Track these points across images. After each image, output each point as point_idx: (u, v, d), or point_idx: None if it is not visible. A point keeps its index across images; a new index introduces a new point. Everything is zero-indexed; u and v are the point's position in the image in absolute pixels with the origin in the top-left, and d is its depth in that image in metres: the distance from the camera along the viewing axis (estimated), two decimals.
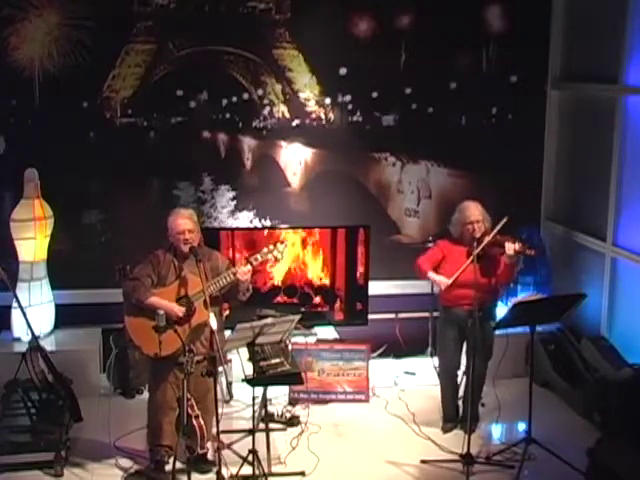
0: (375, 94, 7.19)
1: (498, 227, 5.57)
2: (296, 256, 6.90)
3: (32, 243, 6.46)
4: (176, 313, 5.08)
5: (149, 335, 5.07)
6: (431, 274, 5.76)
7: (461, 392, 6.24)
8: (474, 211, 5.70)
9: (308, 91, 7.15)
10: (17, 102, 6.70)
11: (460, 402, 6.20)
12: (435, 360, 6.44)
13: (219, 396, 5.22)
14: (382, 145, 7.30)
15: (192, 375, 4.71)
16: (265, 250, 5.30)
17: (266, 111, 7.13)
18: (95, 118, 6.85)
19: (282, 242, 5.37)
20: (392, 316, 7.35)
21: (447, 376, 6.05)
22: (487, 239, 5.55)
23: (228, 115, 7.07)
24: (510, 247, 5.51)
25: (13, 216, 6.43)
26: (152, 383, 5.30)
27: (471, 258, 5.51)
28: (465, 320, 5.68)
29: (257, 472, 5.11)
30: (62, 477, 5.32)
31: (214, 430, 4.91)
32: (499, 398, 6.10)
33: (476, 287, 5.48)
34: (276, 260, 5.38)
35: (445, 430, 6.02)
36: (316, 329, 6.83)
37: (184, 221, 5.16)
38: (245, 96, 7.08)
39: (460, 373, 6.19)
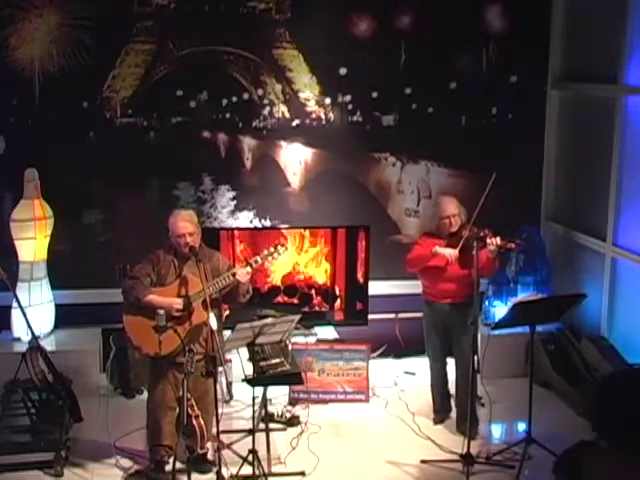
0: (375, 94, 7.19)
1: (472, 219, 5.59)
2: (296, 256, 6.91)
3: (32, 243, 6.46)
4: (175, 307, 5.06)
5: (148, 334, 5.06)
6: (437, 248, 5.68)
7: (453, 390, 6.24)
8: (449, 205, 5.77)
9: (308, 91, 7.15)
10: (17, 102, 6.70)
11: (452, 400, 6.20)
12: None
13: (219, 396, 5.22)
14: (382, 145, 7.30)
15: (192, 375, 4.71)
16: (265, 252, 5.29)
17: (266, 111, 7.13)
18: (95, 118, 6.85)
19: (283, 244, 5.36)
20: (392, 316, 7.35)
21: (436, 369, 6.07)
22: (466, 232, 5.57)
23: (228, 115, 7.07)
24: (492, 242, 5.55)
25: (13, 216, 6.43)
26: (151, 383, 5.30)
27: (461, 242, 5.58)
28: (448, 314, 5.77)
29: (257, 472, 5.11)
30: (62, 477, 5.32)
31: (214, 430, 4.91)
32: (499, 398, 6.10)
33: (458, 281, 5.64)
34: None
35: (435, 421, 6.09)
36: (316, 329, 6.84)
37: (184, 224, 5.15)
38: (245, 96, 7.08)
39: (451, 368, 6.20)
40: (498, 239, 5.56)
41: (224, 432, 5.37)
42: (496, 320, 6.34)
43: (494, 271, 5.97)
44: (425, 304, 5.95)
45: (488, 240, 5.55)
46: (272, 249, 5.29)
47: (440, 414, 6.13)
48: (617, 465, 2.80)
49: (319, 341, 6.63)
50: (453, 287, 5.73)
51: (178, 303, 5.09)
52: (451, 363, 6.05)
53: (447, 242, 5.73)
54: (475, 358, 5.28)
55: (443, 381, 6.12)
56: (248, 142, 7.17)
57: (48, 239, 6.57)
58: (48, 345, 6.33)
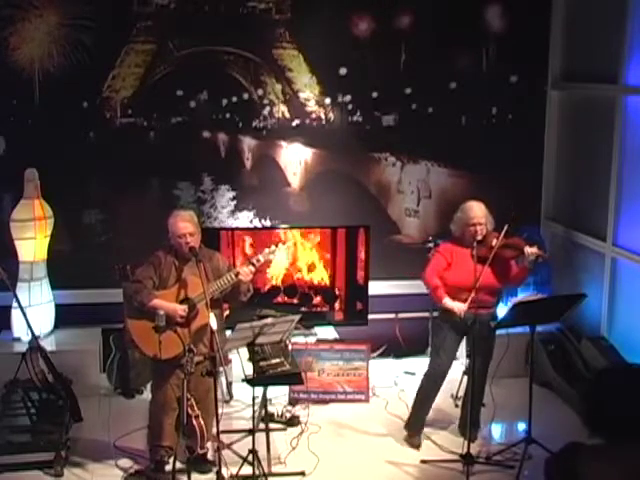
0: (375, 94, 7.19)
1: (505, 229, 5.40)
2: (296, 256, 6.91)
3: (32, 243, 6.46)
4: (179, 313, 5.06)
5: (151, 337, 5.05)
6: (446, 301, 5.42)
7: (461, 392, 6.23)
8: (478, 212, 5.49)
9: (308, 91, 7.15)
10: (17, 102, 6.70)
11: (459, 402, 6.19)
12: None
13: (219, 396, 5.22)
14: (382, 145, 7.30)
15: (192, 375, 4.70)
16: (267, 251, 5.28)
17: (266, 111, 7.13)
18: (95, 118, 6.85)
19: (284, 242, 5.36)
20: (392, 316, 7.35)
21: (432, 379, 5.73)
22: (495, 242, 5.38)
23: (228, 115, 7.07)
24: (531, 251, 5.35)
25: (13, 216, 6.43)
26: (154, 384, 5.30)
27: (492, 252, 5.32)
28: (469, 324, 5.53)
29: (257, 472, 5.11)
30: (62, 477, 5.32)
31: (214, 430, 4.91)
32: (499, 398, 6.10)
33: (483, 290, 5.39)
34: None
35: (415, 444, 5.74)
36: (316, 329, 6.83)
37: (185, 224, 5.14)
38: (245, 96, 7.08)
39: (459, 375, 6.19)
40: (535, 248, 5.37)
41: (224, 432, 5.36)
42: (496, 320, 6.33)
43: (525, 281, 5.88)
44: (443, 312, 5.60)
45: (527, 250, 5.35)
46: (273, 247, 5.29)
47: (418, 436, 5.77)
48: (616, 462, 2.79)
49: (319, 341, 6.63)
50: (481, 296, 5.40)
51: (183, 309, 5.08)
52: (456, 367, 6.04)
53: (473, 251, 5.37)
54: (478, 362, 5.29)
55: (435, 396, 5.78)
56: (248, 142, 7.17)
57: (48, 239, 6.57)
58: (48, 345, 6.33)
